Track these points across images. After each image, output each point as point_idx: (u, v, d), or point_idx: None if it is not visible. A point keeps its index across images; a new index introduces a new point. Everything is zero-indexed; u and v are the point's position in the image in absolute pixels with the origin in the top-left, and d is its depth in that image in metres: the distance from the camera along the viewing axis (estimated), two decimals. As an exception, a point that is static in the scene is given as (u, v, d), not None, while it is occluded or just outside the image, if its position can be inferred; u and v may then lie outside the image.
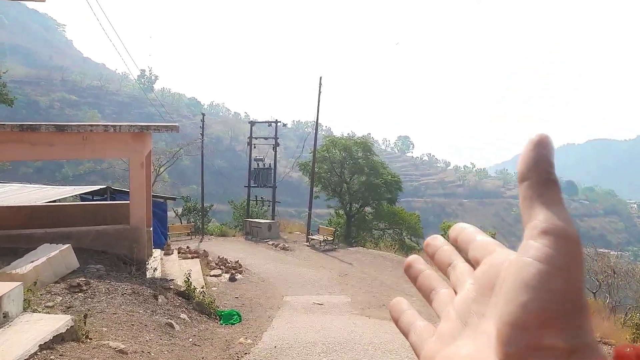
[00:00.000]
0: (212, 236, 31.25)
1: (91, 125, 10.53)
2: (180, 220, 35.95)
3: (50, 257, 8.65)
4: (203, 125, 32.78)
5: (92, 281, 8.55)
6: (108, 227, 11.40)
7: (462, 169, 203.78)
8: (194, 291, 10.07)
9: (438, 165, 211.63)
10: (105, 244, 11.14)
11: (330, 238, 24.69)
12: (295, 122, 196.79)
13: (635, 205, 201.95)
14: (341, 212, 32.72)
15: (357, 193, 30.76)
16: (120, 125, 10.66)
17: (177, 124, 11.64)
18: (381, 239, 31.35)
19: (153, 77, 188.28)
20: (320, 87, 24.23)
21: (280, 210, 35.67)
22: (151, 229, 14.57)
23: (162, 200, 19.26)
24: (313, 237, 25.86)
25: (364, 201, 31.02)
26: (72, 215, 14.37)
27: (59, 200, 18.56)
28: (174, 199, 20.42)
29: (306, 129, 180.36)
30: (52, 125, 10.40)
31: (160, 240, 19.10)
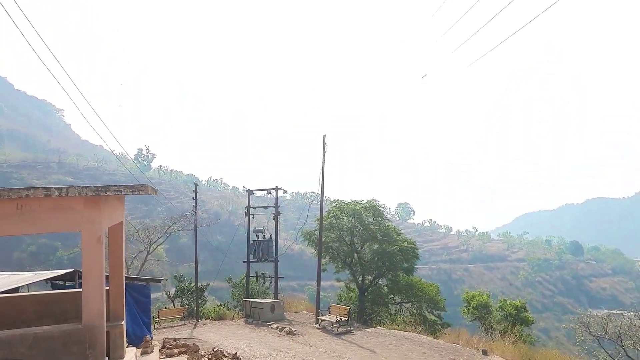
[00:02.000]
0: (208, 320, 27.82)
1: (28, 190, 7.73)
2: (173, 303, 32.48)
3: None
4: (196, 196, 30.02)
5: None
6: (52, 329, 8.28)
7: (465, 234, 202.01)
8: (168, 422, 6.84)
9: (440, 230, 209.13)
10: (48, 352, 8.01)
11: (344, 318, 21.20)
12: (294, 194, 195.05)
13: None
14: (352, 285, 29.25)
15: (370, 263, 27.40)
16: (67, 188, 7.86)
17: (149, 185, 8.84)
18: (398, 314, 27.78)
19: (150, 156, 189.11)
20: (324, 145, 21.76)
21: (282, 285, 32.28)
22: (123, 322, 11.44)
23: (144, 283, 16.10)
24: (323, 317, 22.34)
25: (378, 272, 27.63)
26: (23, 310, 11.28)
27: (22, 290, 15.47)
28: (158, 280, 17.35)
29: (305, 200, 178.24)
30: (-25, 191, 7.58)
31: (142, 331, 15.79)
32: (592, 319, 23.73)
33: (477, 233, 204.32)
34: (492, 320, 25.62)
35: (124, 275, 13.58)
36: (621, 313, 28.32)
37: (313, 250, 27.84)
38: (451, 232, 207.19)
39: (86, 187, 8.00)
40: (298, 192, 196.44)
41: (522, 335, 23.50)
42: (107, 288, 11.91)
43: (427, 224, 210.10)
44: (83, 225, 8.18)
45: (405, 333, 19.83)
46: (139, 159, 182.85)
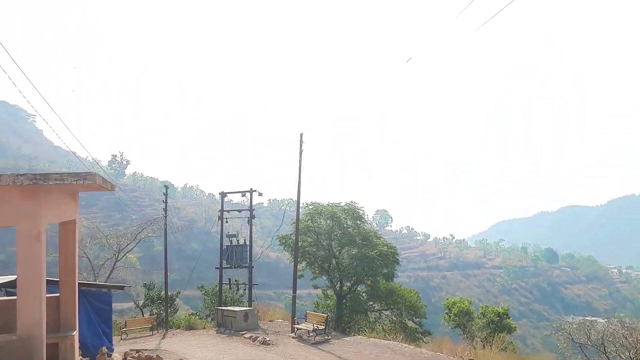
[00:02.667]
0: (179, 330, 26.47)
1: (-50, 177, 6.56)
2: (142, 312, 31.00)
3: None
4: (166, 199, 28.67)
5: None
6: (-21, 341, 7.10)
7: (442, 241, 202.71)
8: None
9: (418, 238, 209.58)
10: (-26, 368, 6.84)
11: (321, 326, 20.10)
12: (271, 200, 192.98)
13: (616, 270, 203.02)
14: (330, 292, 28.12)
15: (348, 268, 26.33)
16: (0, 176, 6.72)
17: (96, 174, 7.73)
18: (378, 322, 26.77)
19: (124, 162, 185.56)
20: (301, 144, 20.74)
21: (259, 294, 31.04)
22: (75, 333, 10.25)
23: (105, 290, 14.83)
24: (299, 325, 21.20)
25: (357, 278, 26.57)
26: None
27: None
28: (121, 287, 15.97)
29: (282, 207, 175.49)
30: None
31: (103, 342, 14.52)
32: (575, 326, 23.16)
33: (454, 240, 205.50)
34: (474, 328, 24.90)
35: (81, 281, 12.39)
36: (596, 320, 27.98)
37: (289, 257, 26.65)
38: (429, 240, 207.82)
39: (22, 175, 6.88)
40: (275, 198, 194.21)
41: (504, 343, 22.85)
42: (58, 295, 10.74)
43: (404, 231, 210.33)
44: (18, 219, 7.04)
45: (386, 342, 18.86)
46: (113, 165, 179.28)
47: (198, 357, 16.03)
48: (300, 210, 24.15)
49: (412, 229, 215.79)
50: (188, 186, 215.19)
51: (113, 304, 15.74)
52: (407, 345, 18.18)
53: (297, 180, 20.63)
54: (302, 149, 20.70)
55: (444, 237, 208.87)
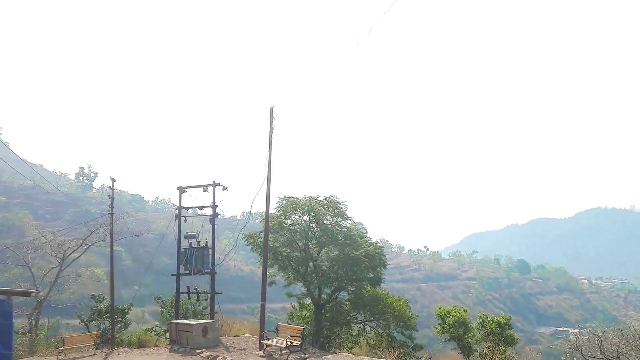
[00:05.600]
0: (127, 348, 22.41)
1: None
2: (88, 327, 26.80)
3: None
4: (112, 194, 24.65)
5: None
6: None
7: (417, 253, 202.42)
8: None
9: (393, 250, 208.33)
10: None
11: (296, 342, 16.21)
12: (245, 213, 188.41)
13: (586, 281, 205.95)
14: (307, 301, 24.19)
15: (328, 272, 22.49)
16: None
17: None
18: (362, 335, 23.06)
19: (92, 175, 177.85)
20: (271, 120, 17.10)
21: (230, 308, 27.03)
22: None
23: (2, 297, 10.80)
24: (269, 341, 17.28)
25: (338, 284, 22.72)
26: None
27: None
28: (27, 294, 11.88)
29: (257, 220, 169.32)
30: None
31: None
32: (586, 338, 21.33)
33: (428, 252, 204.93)
34: (471, 340, 21.85)
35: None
36: (568, 330, 25.86)
37: (259, 259, 22.61)
38: (403, 252, 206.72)
39: None
40: (249, 211, 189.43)
41: (504, 357, 19.80)
42: None
43: (380, 243, 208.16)
44: None
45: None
46: (80, 178, 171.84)
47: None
48: (273, 206, 20.53)
49: (387, 240, 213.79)
50: (159, 199, 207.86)
51: (66, 321, 11.94)
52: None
53: (267, 163, 17.02)
54: (273, 126, 17.14)
55: (418, 249, 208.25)
